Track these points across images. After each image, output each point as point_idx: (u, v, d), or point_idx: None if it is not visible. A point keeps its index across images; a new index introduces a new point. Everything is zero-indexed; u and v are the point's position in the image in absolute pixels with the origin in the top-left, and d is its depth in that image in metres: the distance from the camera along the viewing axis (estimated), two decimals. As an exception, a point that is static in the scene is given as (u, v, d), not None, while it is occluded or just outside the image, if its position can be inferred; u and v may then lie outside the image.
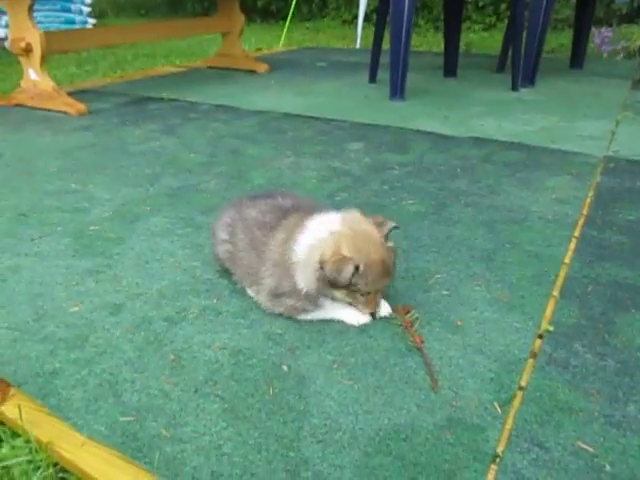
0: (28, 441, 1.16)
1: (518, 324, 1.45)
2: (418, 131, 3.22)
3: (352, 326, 1.44)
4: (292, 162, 2.73)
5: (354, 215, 1.40)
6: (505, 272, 1.70)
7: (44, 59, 3.87)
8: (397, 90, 3.98)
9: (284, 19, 10.51)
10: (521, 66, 4.17)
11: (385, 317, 1.47)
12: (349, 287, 1.33)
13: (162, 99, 4.23)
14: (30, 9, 3.73)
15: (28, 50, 3.81)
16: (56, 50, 4.14)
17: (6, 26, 7.74)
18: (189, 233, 1.98)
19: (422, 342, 1.37)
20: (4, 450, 1.16)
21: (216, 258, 1.67)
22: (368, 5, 7.37)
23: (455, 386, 1.24)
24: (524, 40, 4.14)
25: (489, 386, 1.24)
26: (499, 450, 1.08)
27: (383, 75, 4.53)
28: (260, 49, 7.22)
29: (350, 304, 1.42)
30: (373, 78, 4.68)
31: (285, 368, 1.30)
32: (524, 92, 4.21)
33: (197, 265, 1.76)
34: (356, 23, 7.43)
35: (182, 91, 4.46)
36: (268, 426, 1.14)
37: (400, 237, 1.90)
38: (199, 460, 1.06)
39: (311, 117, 3.59)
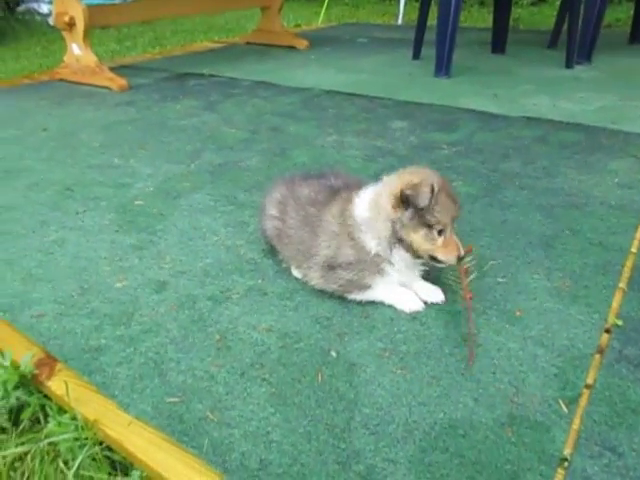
0: (74, 418, 1.14)
1: (582, 316, 1.35)
2: (466, 109, 3.08)
3: (402, 312, 1.37)
4: (335, 140, 2.65)
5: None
6: (566, 260, 1.59)
7: (87, 33, 3.86)
8: (443, 67, 3.81)
9: (323, -5, 10.33)
10: (577, 41, 3.92)
11: (437, 304, 1.40)
12: (427, 219, 1.27)
13: (202, 75, 4.19)
14: (74, -17, 3.71)
15: (71, 24, 3.81)
16: (98, 24, 4.13)
17: (49, 2, 7.84)
18: (232, 211, 1.94)
19: (471, 299, 1.30)
20: (50, 426, 1.15)
21: (263, 234, 1.62)
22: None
23: (516, 380, 1.16)
24: (581, 13, 3.88)
25: (553, 382, 1.15)
26: (566, 453, 1.00)
27: (427, 52, 4.36)
28: (299, 25, 7.08)
29: (430, 256, 1.32)
30: (417, 55, 4.50)
31: (334, 354, 1.24)
32: (579, 69, 3.97)
33: (241, 244, 1.71)
34: (398, -2, 7.19)
35: (221, 67, 4.40)
36: (317, 414, 1.09)
37: (451, 220, 1.81)
38: (247, 446, 1.02)
39: (353, 94, 3.48)
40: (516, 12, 7.40)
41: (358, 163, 2.35)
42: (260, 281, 1.52)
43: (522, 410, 1.08)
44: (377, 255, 1.34)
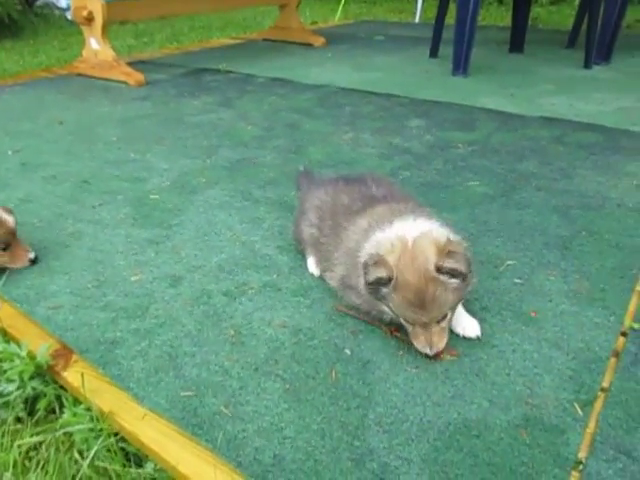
0: (89, 409, 1.16)
1: (598, 319, 1.34)
2: (483, 109, 3.05)
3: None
4: (351, 138, 2.64)
5: (428, 234, 1.19)
6: (582, 262, 1.57)
7: (105, 28, 3.90)
8: (460, 65, 3.78)
9: (339, -8, 10.29)
10: (596, 41, 3.87)
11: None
12: (388, 305, 1.18)
13: (218, 71, 4.20)
14: (93, -23, 3.74)
15: (90, 19, 3.84)
16: (117, 19, 4.16)
17: (68, -3, 7.91)
18: (247, 207, 1.94)
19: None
20: (65, 416, 1.16)
21: (297, 237, 1.58)
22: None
23: (530, 382, 1.15)
24: (601, 13, 3.82)
25: (568, 385, 1.14)
26: (581, 456, 0.99)
27: (444, 50, 4.33)
28: (315, 22, 7.06)
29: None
30: (434, 53, 4.47)
31: (348, 352, 1.24)
32: (598, 69, 3.91)
33: (256, 240, 1.72)
34: (415, -4, 7.14)
35: (238, 63, 4.41)
36: (331, 411, 1.09)
37: (467, 220, 1.79)
38: (261, 441, 1.02)
39: (370, 92, 3.47)
40: (535, 11, 7.31)
41: (374, 161, 2.35)
42: (275, 277, 1.53)
43: (537, 412, 1.08)
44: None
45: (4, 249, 1.55)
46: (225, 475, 0.96)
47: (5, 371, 1.22)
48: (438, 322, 1.16)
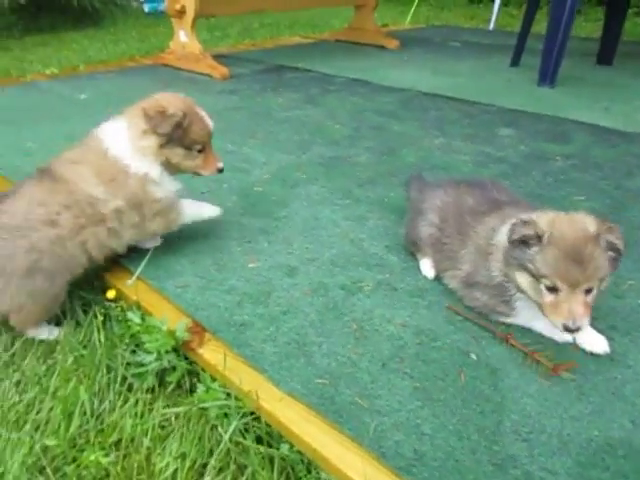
0: (223, 386, 1.21)
1: None
2: (575, 121, 2.97)
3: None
4: (441, 143, 2.63)
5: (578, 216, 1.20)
6: None
7: (195, 22, 4.02)
8: (547, 76, 3.69)
9: (406, -5, 10.24)
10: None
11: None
12: (530, 268, 1.15)
13: (297, 69, 4.26)
14: (188, -28, 3.87)
15: (182, 12, 3.97)
16: (206, 14, 4.27)
17: (148, -10, 8.19)
18: (349, 205, 1.97)
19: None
20: (199, 391, 1.21)
21: (413, 237, 1.58)
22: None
23: (670, 406, 1.12)
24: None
25: None
26: None
27: (525, 59, 4.25)
28: (386, 25, 7.04)
29: (538, 303, 1.21)
30: (516, 61, 4.38)
31: (474, 356, 1.24)
32: (694, 88, 3.74)
33: (363, 237, 1.74)
34: (488, 2, 7.02)
35: (314, 62, 4.45)
36: (465, 414, 1.09)
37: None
38: (400, 436, 1.04)
39: (453, 98, 3.44)
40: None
41: (469, 167, 2.33)
42: (388, 276, 1.54)
43: (681, 438, 1.05)
44: (502, 285, 1.29)
45: (199, 151, 1.52)
46: (372, 464, 0.98)
47: (144, 343, 1.28)
48: (586, 292, 1.13)
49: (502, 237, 1.26)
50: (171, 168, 1.50)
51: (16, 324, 1.37)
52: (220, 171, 1.58)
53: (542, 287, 1.16)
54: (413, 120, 2.98)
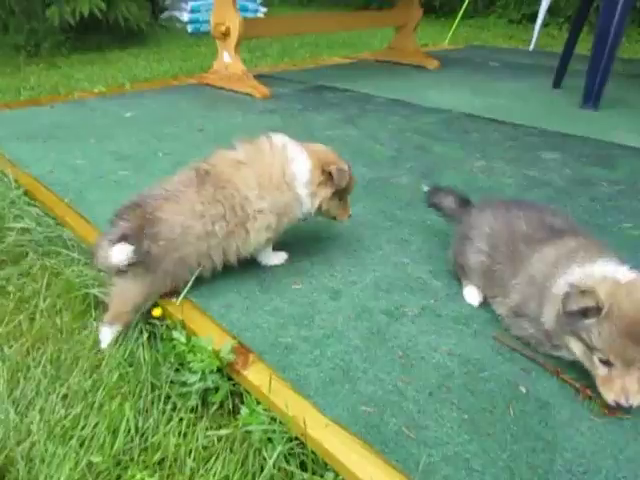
0: (267, 409, 1.21)
1: None
2: (622, 146, 2.90)
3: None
4: (484, 165, 2.60)
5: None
6: None
7: (239, 43, 4.13)
8: (591, 98, 3.62)
9: (445, 15, 10.26)
10: None
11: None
12: (584, 338, 1.12)
13: (336, 89, 4.31)
14: (235, -4, 3.99)
15: (226, 34, 4.09)
16: (249, 35, 4.37)
17: (190, 11, 8.47)
18: (391, 227, 1.96)
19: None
20: (243, 414, 1.21)
21: (460, 263, 1.55)
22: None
23: None
24: None
25: None
26: None
27: (567, 81, 4.18)
28: (426, 45, 7.07)
29: (590, 371, 1.17)
30: (558, 83, 4.32)
31: (523, 389, 1.21)
32: None
33: (407, 262, 1.73)
34: (527, 23, 6.95)
35: (354, 82, 4.49)
36: (515, 450, 1.06)
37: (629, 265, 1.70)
38: (448, 470, 1.02)
39: (494, 120, 3.41)
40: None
41: (512, 191, 2.30)
42: (432, 301, 1.53)
43: None
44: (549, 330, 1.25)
45: (340, 199, 1.66)
46: (420, 499, 0.96)
47: (188, 362, 1.30)
48: None
49: (560, 289, 1.20)
50: (317, 210, 1.65)
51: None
52: (349, 217, 1.74)
53: (595, 359, 1.13)
54: (454, 142, 2.97)
